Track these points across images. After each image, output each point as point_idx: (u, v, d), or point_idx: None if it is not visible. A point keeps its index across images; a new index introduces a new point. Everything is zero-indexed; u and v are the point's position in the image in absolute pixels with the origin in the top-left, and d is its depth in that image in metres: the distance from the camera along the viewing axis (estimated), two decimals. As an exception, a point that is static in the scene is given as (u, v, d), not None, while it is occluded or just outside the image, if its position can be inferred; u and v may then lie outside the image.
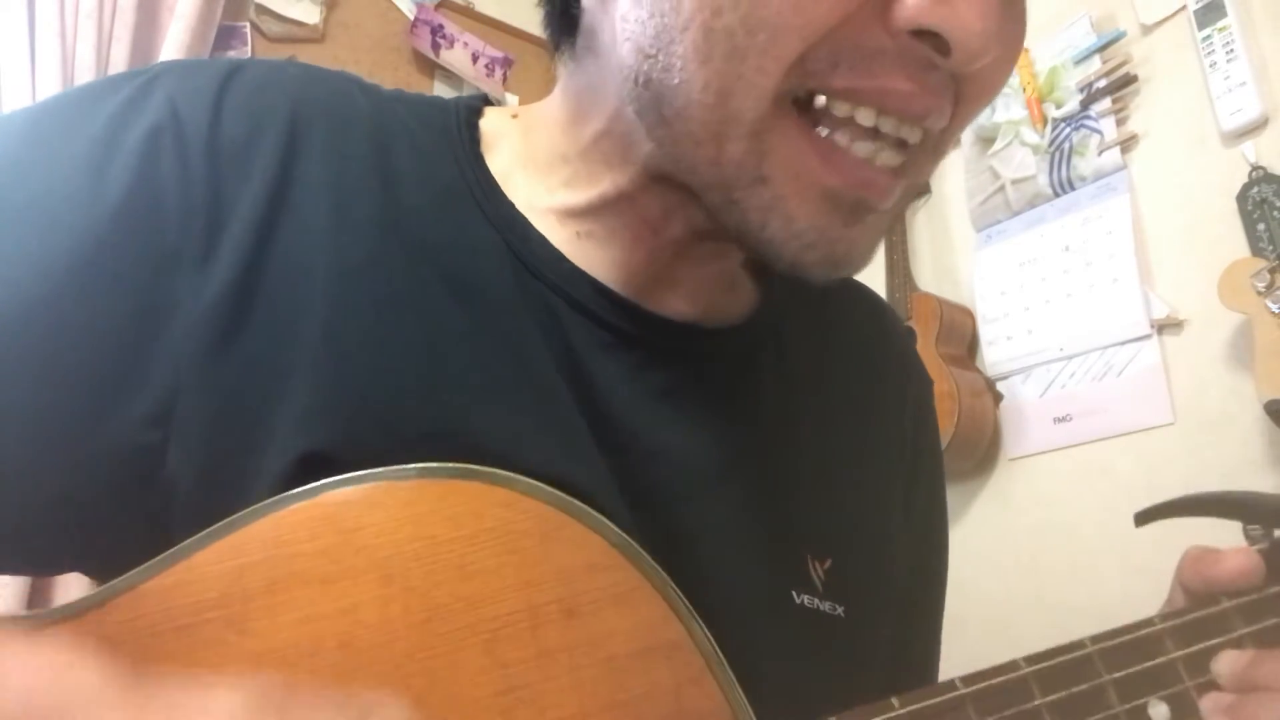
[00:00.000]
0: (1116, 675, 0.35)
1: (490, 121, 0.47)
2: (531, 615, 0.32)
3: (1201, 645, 0.37)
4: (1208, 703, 0.35)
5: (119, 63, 1.61)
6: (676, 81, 0.36)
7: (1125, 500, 1.42)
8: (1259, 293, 1.31)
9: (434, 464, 0.33)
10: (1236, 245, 1.42)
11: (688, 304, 0.46)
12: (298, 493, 0.32)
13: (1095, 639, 0.36)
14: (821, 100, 0.36)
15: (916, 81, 0.35)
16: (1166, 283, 1.54)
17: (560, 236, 0.44)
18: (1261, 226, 1.39)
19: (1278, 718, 0.33)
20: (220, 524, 0.31)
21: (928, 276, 1.90)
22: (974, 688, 0.34)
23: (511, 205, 0.44)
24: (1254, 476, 1.35)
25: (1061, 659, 0.35)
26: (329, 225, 0.39)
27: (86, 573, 0.39)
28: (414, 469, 0.33)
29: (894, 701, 0.32)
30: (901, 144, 0.37)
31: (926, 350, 1.72)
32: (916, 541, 0.54)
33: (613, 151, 0.42)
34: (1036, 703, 0.34)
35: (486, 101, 0.49)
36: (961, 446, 1.65)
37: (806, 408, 0.49)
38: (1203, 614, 0.37)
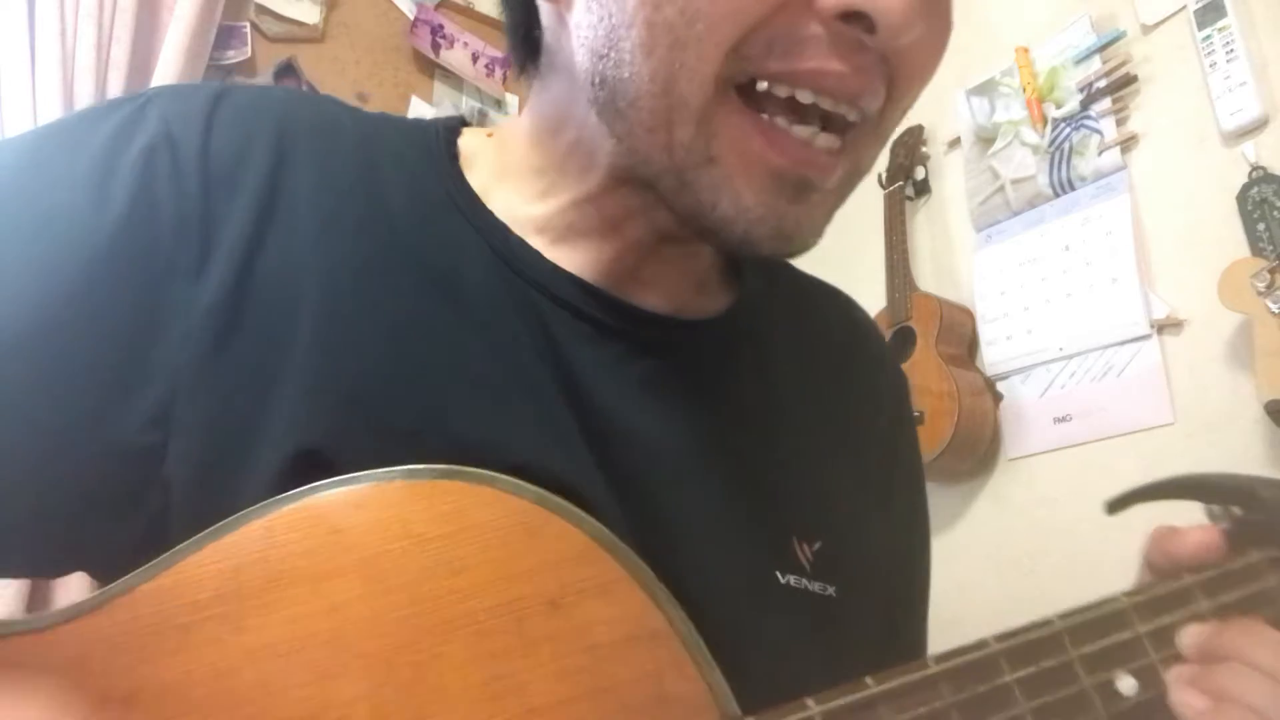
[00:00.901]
0: (1084, 650, 0.36)
1: (467, 141, 0.50)
2: (515, 608, 0.33)
3: (1166, 619, 0.38)
4: (1173, 674, 0.36)
5: (119, 63, 1.61)
6: (627, 75, 0.39)
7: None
8: (1259, 293, 1.31)
9: (419, 466, 0.34)
10: (1236, 245, 1.42)
11: (661, 300, 0.48)
12: (287, 496, 0.33)
13: (1063, 616, 0.37)
14: (763, 85, 0.38)
15: (848, 62, 0.38)
16: (1166, 283, 1.54)
17: (538, 242, 0.46)
18: (1261, 226, 1.39)
19: (1239, 684, 0.34)
20: (214, 527, 0.33)
21: (928, 276, 1.90)
22: (946, 665, 0.34)
23: (491, 214, 0.46)
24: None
25: (1030, 636, 0.36)
26: (317, 234, 0.41)
27: (90, 573, 0.40)
28: (400, 471, 0.34)
29: (868, 680, 0.33)
30: (842, 126, 0.40)
31: (926, 350, 1.72)
32: (899, 534, 0.55)
33: (582, 158, 0.45)
34: (1007, 679, 0.35)
35: (464, 122, 0.52)
36: (961, 446, 1.65)
37: (784, 400, 0.51)
38: (1166, 589, 0.39)
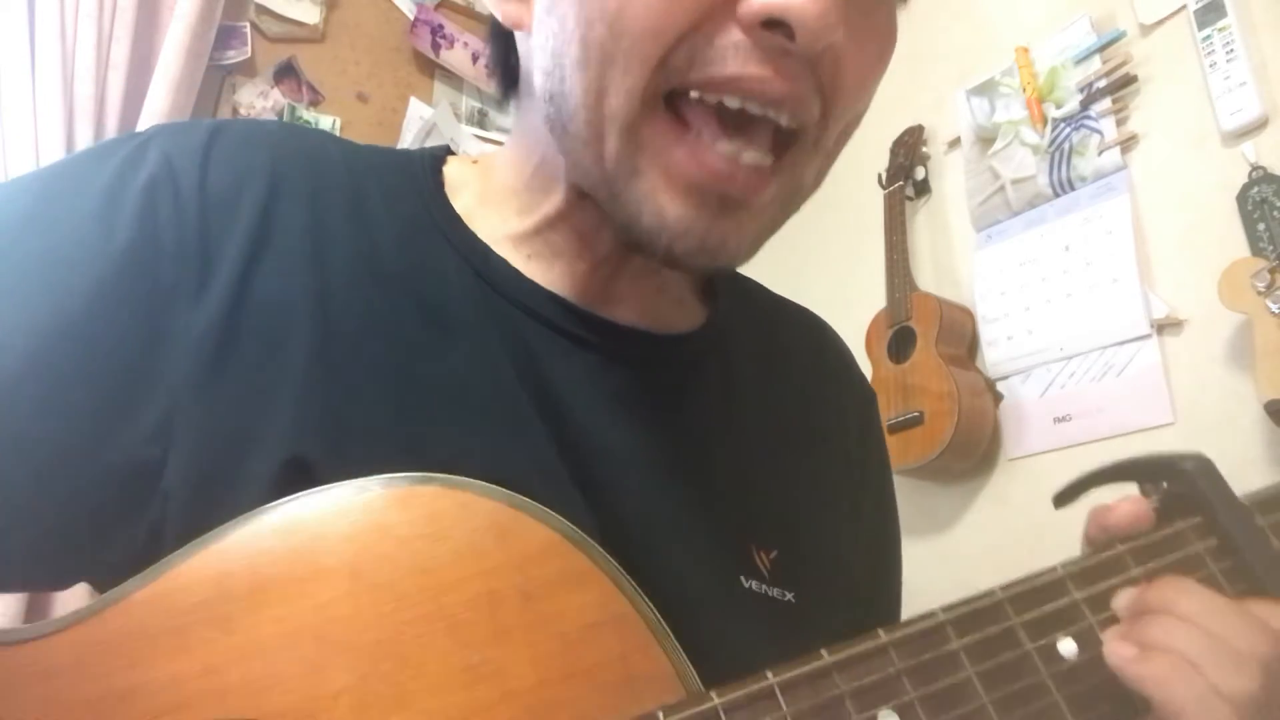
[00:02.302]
0: (1026, 617, 0.39)
1: (453, 169, 0.53)
2: (490, 600, 0.35)
3: (1102, 585, 0.40)
4: (1108, 633, 0.38)
5: (119, 63, 1.61)
6: (565, 90, 0.41)
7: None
8: (1259, 293, 1.31)
9: (395, 474, 0.36)
10: (1236, 245, 1.42)
11: (635, 316, 0.51)
12: (272, 505, 0.35)
13: (1004, 587, 0.40)
14: (695, 94, 0.40)
15: (771, 66, 0.39)
16: (1166, 283, 1.54)
17: (517, 259, 0.49)
18: (1261, 226, 1.39)
19: (1165, 632, 0.37)
20: (204, 536, 0.35)
21: (928, 276, 1.90)
22: (895, 635, 0.37)
23: (474, 236, 0.49)
24: (1254, 476, 1.35)
25: (974, 605, 0.39)
26: (309, 260, 0.44)
27: (92, 583, 0.42)
28: (378, 479, 0.36)
29: (824, 652, 0.36)
30: (782, 140, 0.42)
31: (926, 350, 1.72)
32: (869, 544, 0.57)
33: (548, 176, 0.48)
34: (953, 646, 0.37)
35: (450, 152, 0.54)
36: (961, 446, 1.65)
37: (751, 414, 0.53)
38: (1100, 558, 0.41)
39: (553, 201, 0.48)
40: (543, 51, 0.42)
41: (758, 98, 0.39)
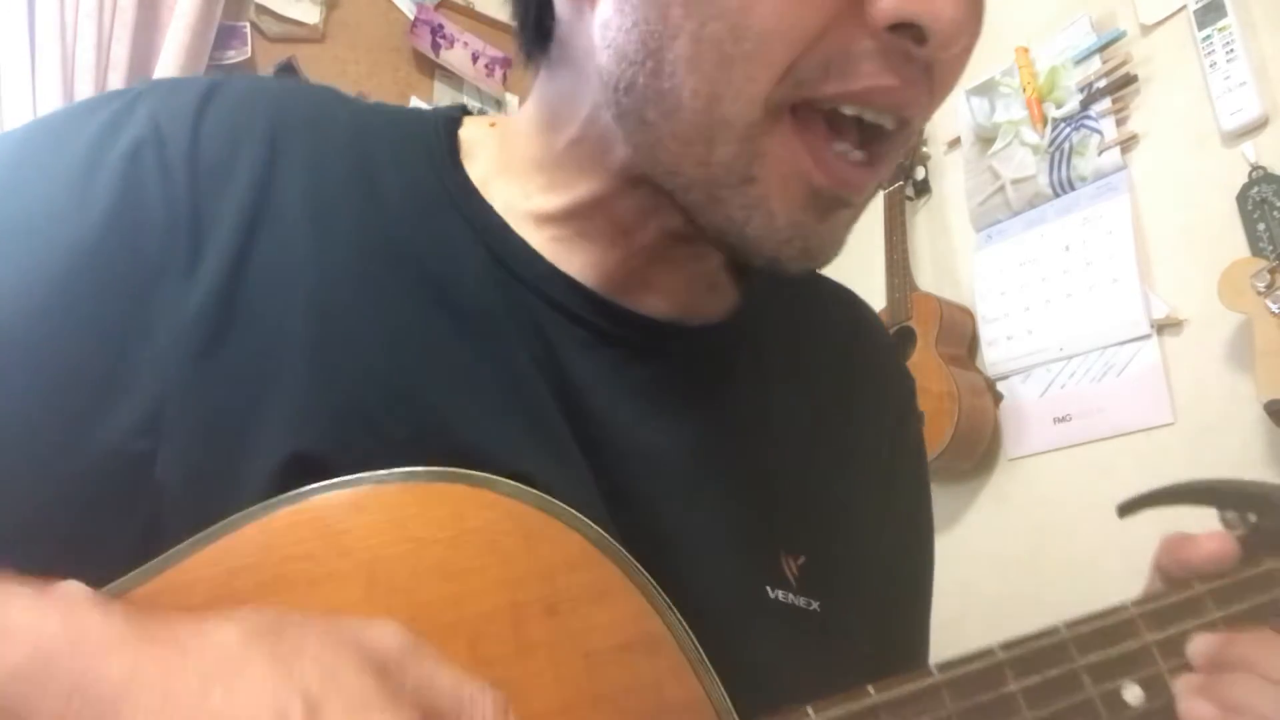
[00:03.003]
0: (1090, 659, 0.36)
1: (469, 131, 0.49)
2: (513, 613, 0.32)
3: (1175, 629, 0.37)
4: (1182, 683, 0.35)
5: (119, 62, 1.61)
6: (666, 86, 0.37)
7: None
8: (1259, 293, 1.31)
9: (418, 468, 0.34)
10: (1236, 245, 1.42)
11: (666, 304, 0.47)
12: (284, 498, 0.33)
13: (1069, 624, 0.36)
14: (830, 107, 0.38)
15: (900, 76, 0.37)
16: (1166, 283, 1.54)
17: (538, 239, 0.45)
18: (1261, 226, 1.39)
19: (1249, 695, 0.34)
20: (209, 530, 0.32)
21: (928, 276, 1.90)
22: (949, 675, 0.34)
23: (490, 209, 0.45)
24: (1254, 476, 1.35)
25: (1035, 644, 0.36)
26: (310, 234, 0.40)
27: (87, 583, 0.39)
28: (398, 473, 0.34)
29: (870, 689, 0.33)
30: (873, 136, 0.39)
31: (926, 350, 1.72)
32: (899, 541, 0.54)
33: (587, 157, 0.44)
34: (1011, 688, 0.34)
35: (465, 112, 0.50)
36: (961, 446, 1.65)
37: (783, 407, 0.50)
38: (1177, 598, 0.38)
39: (591, 184, 0.44)
40: (623, 34, 0.38)
41: (880, 108, 0.38)
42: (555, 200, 0.45)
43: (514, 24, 0.47)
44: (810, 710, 0.32)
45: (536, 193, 0.46)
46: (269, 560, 0.32)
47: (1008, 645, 0.35)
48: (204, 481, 0.36)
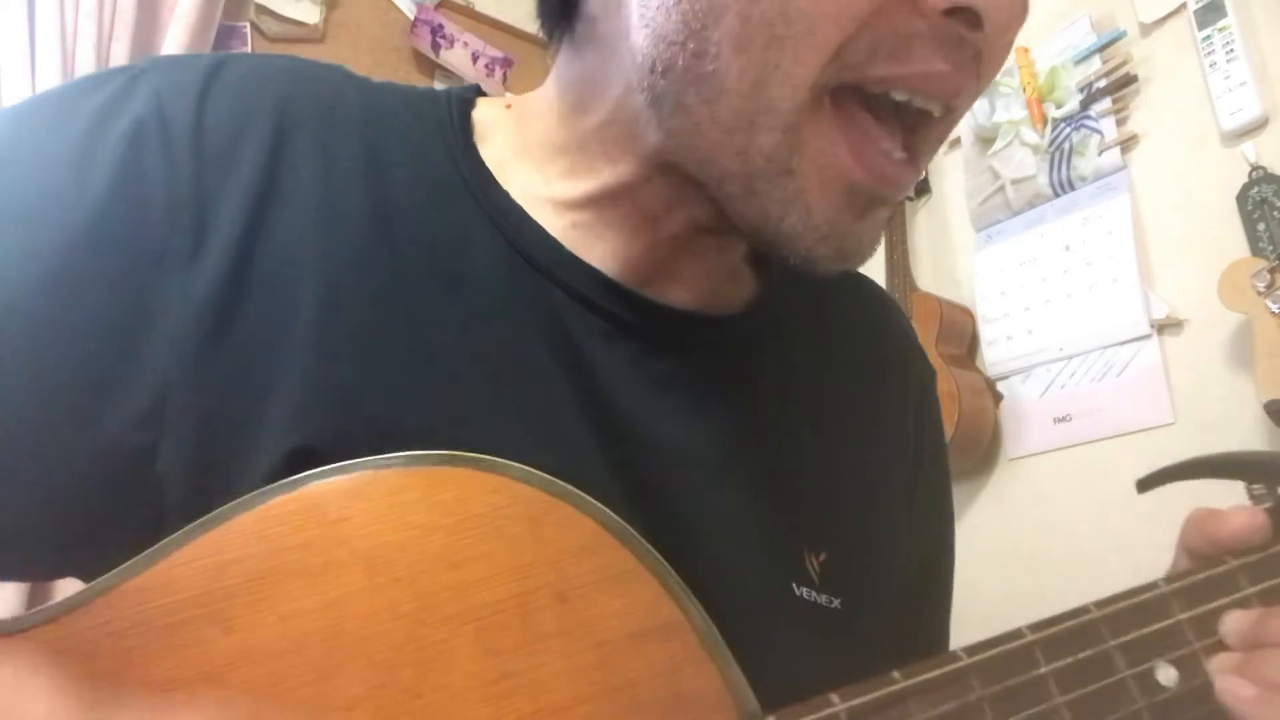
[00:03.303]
0: (1122, 640, 0.35)
1: (483, 112, 0.47)
2: (522, 601, 0.31)
3: (1208, 606, 0.36)
4: (1215, 663, 0.35)
5: (118, 62, 1.61)
6: (710, 69, 0.36)
7: (1125, 500, 1.42)
8: (1259, 293, 1.31)
9: (420, 452, 0.33)
10: (1236, 245, 1.42)
11: (689, 294, 0.46)
12: (280, 485, 0.31)
13: (1100, 604, 0.35)
14: (876, 89, 0.36)
15: (951, 61, 0.36)
16: (1166, 283, 1.54)
17: (557, 226, 0.43)
18: (1261, 226, 1.39)
19: None
20: (201, 520, 0.31)
21: (928, 276, 1.90)
22: (978, 658, 0.33)
23: (506, 195, 0.43)
24: (1254, 476, 1.35)
25: (1065, 625, 0.35)
26: (319, 220, 0.39)
27: (85, 579, 0.38)
28: (399, 457, 0.32)
29: (896, 674, 0.32)
30: (912, 127, 0.38)
31: (926, 350, 1.72)
32: (921, 534, 0.53)
33: (614, 142, 0.42)
34: (1041, 670, 0.33)
35: (480, 92, 0.48)
36: (961, 446, 1.65)
37: (806, 399, 0.49)
38: (1208, 575, 0.37)
39: (618, 170, 0.42)
40: (663, 12, 0.36)
41: (930, 94, 0.37)
42: (578, 186, 0.43)
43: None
44: (835, 697, 0.31)
45: (557, 178, 0.44)
46: (264, 550, 0.30)
47: (1036, 626, 0.34)
48: (206, 474, 0.35)
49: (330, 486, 0.32)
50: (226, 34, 1.81)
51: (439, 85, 2.13)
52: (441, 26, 2.12)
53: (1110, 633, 0.35)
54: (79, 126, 0.37)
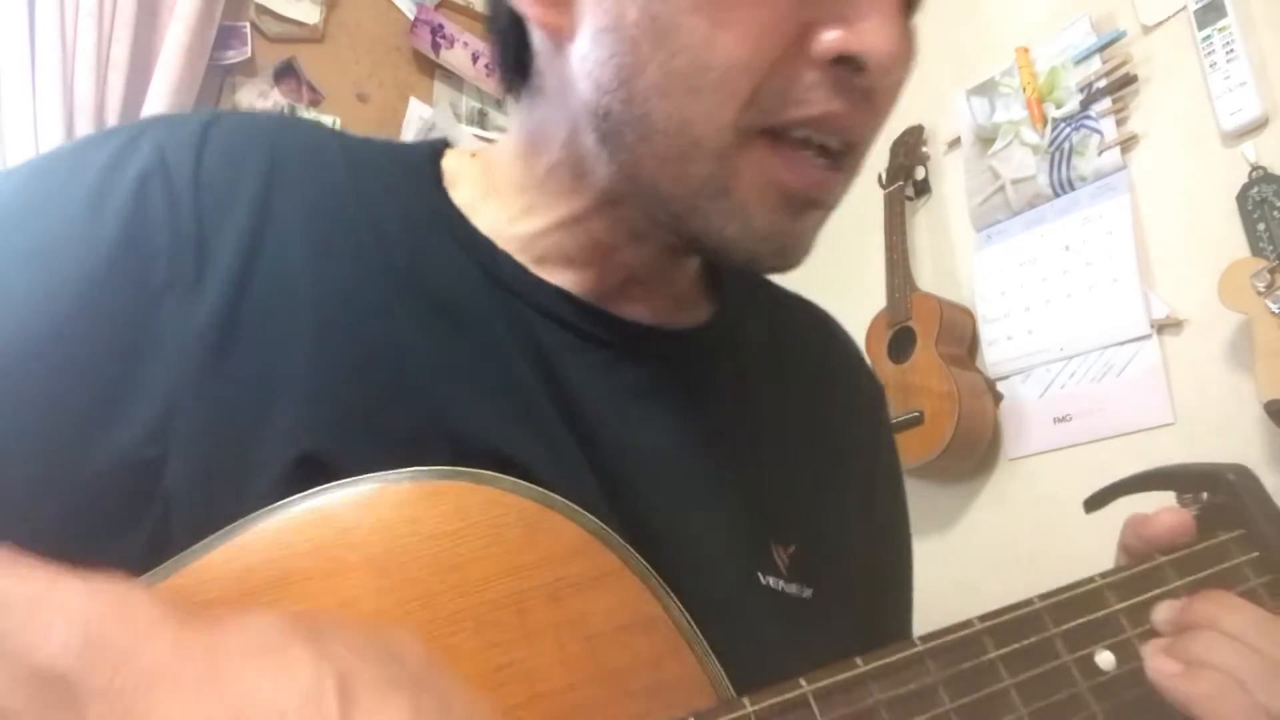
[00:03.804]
0: (1064, 628, 0.38)
1: (450, 162, 0.52)
2: (518, 599, 0.34)
3: (1141, 597, 0.40)
4: (1148, 647, 0.38)
5: (119, 62, 1.61)
6: (640, 113, 0.41)
7: (1125, 501, 1.42)
8: (1259, 293, 1.31)
9: (423, 468, 0.36)
10: (1236, 245, 1.42)
11: (646, 312, 0.51)
12: (296, 498, 0.35)
13: (1042, 597, 0.39)
14: (800, 133, 0.42)
15: (845, 102, 0.41)
16: (1166, 283, 1.54)
17: (524, 258, 0.48)
18: (1261, 226, 1.39)
19: (1209, 649, 0.36)
20: (223, 531, 0.34)
21: (928, 276, 1.90)
22: (932, 644, 0.36)
23: (477, 230, 0.48)
24: (1254, 476, 1.35)
25: (1012, 615, 0.38)
26: (310, 252, 0.43)
27: None
28: (405, 473, 0.36)
29: (858, 660, 0.35)
30: (824, 150, 0.43)
31: (926, 350, 1.72)
32: (881, 535, 0.58)
33: (567, 179, 0.47)
34: (990, 655, 0.36)
35: (447, 144, 0.54)
36: (961, 446, 1.65)
37: (762, 406, 0.53)
38: (1139, 569, 0.41)
39: (572, 205, 0.48)
40: (599, 65, 0.42)
41: (833, 132, 0.42)
42: (539, 220, 0.49)
43: (496, 62, 0.50)
44: (803, 681, 0.34)
45: (520, 215, 0.49)
46: (282, 555, 0.33)
47: (985, 617, 0.38)
48: (213, 485, 0.38)
49: (342, 498, 0.35)
50: (226, 34, 1.81)
51: (439, 85, 2.14)
52: (441, 26, 2.12)
53: (1052, 622, 0.38)
54: (91, 177, 0.42)
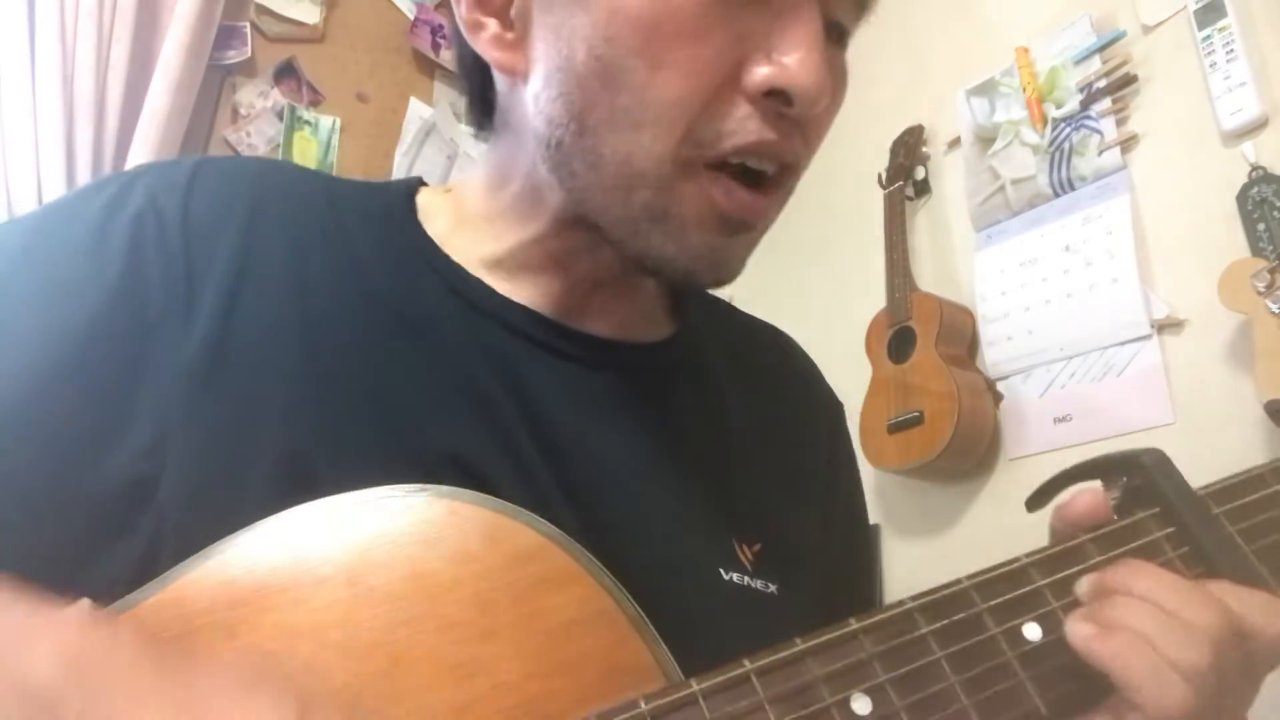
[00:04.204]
0: (992, 603, 0.40)
1: (425, 198, 0.56)
2: (480, 601, 0.37)
3: (1064, 572, 0.42)
4: (1070, 616, 0.40)
5: (119, 63, 1.61)
6: (589, 144, 0.45)
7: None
8: (1259, 293, 1.31)
9: (392, 486, 0.39)
10: (1236, 245, 1.42)
11: (609, 329, 0.54)
12: (272, 518, 0.38)
13: (970, 576, 0.41)
14: (736, 161, 0.46)
15: (778, 131, 0.45)
16: (1166, 283, 1.54)
17: (492, 279, 0.52)
18: (1261, 226, 1.39)
19: (1124, 611, 0.38)
20: (208, 548, 0.37)
21: (928, 276, 1.90)
22: (866, 622, 0.39)
23: (449, 258, 0.52)
24: (1254, 476, 1.35)
25: (941, 594, 0.41)
26: (291, 282, 0.47)
27: (91, 598, 0.42)
28: (372, 492, 0.39)
29: (797, 640, 0.38)
30: (759, 184, 0.47)
31: (926, 350, 1.72)
32: (844, 542, 0.61)
33: (528, 205, 0.52)
34: (922, 630, 0.39)
35: (422, 182, 0.58)
36: (961, 446, 1.65)
37: (723, 415, 0.57)
38: (1063, 547, 0.43)
39: (531, 228, 0.52)
40: (550, 104, 0.46)
41: (763, 157, 0.46)
42: (503, 243, 0.53)
43: (466, 103, 0.56)
44: (745, 661, 0.36)
45: (488, 241, 0.53)
46: (262, 571, 0.36)
47: (916, 596, 0.40)
48: (204, 498, 0.41)
49: (316, 514, 0.38)
50: (226, 34, 1.81)
51: (439, 85, 2.14)
52: (441, 27, 2.12)
53: (981, 598, 0.40)
54: (89, 222, 0.46)
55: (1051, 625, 0.40)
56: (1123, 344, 1.56)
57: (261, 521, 0.38)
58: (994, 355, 1.75)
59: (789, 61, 0.43)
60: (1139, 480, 0.46)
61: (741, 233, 0.48)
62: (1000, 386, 1.73)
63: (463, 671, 0.36)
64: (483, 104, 0.55)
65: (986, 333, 1.77)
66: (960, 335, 1.77)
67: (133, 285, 0.44)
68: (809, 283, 2.09)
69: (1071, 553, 0.43)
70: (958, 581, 0.41)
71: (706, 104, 0.43)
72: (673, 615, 0.40)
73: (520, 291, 0.52)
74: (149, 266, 0.45)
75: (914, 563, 1.81)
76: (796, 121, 0.45)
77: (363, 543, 0.37)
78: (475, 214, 0.55)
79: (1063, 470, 0.49)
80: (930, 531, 1.78)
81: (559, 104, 0.46)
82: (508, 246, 0.53)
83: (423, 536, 0.38)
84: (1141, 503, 0.45)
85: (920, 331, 1.75)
